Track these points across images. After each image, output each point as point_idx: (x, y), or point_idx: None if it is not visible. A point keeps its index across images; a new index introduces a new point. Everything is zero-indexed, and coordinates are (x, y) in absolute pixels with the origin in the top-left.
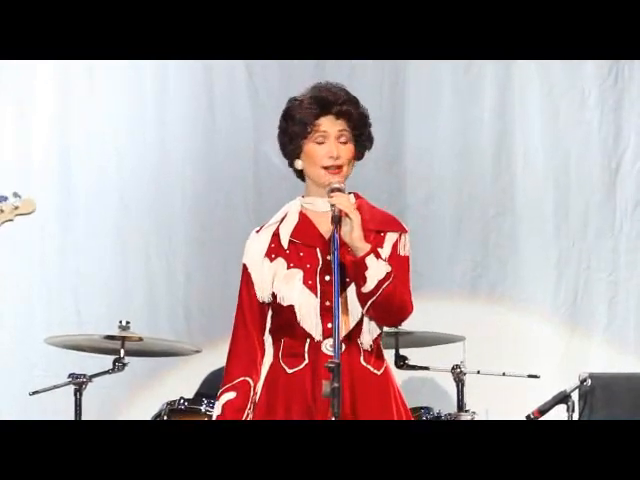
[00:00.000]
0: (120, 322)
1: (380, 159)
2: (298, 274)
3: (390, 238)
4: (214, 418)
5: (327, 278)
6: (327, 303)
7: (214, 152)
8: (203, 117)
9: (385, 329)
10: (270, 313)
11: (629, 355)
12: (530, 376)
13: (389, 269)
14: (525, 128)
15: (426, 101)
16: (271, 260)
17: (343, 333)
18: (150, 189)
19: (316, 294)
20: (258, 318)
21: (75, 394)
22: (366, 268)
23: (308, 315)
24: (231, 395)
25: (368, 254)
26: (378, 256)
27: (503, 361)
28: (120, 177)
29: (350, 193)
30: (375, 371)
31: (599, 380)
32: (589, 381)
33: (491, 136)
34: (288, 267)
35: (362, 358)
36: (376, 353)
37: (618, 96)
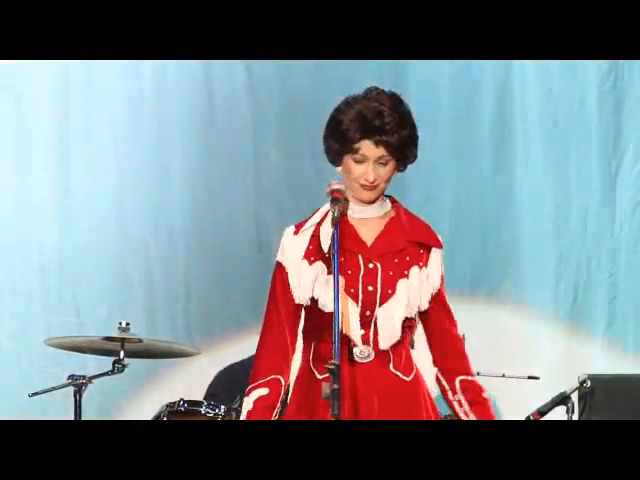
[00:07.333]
0: (120, 323)
1: None
2: (340, 281)
3: (435, 257)
4: (244, 414)
5: (370, 288)
6: (367, 313)
7: (214, 152)
8: (203, 117)
9: None
10: (303, 315)
11: (629, 356)
12: (530, 377)
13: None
14: (525, 128)
15: (426, 101)
16: (310, 263)
17: (384, 347)
18: (149, 190)
19: (357, 303)
20: (292, 317)
21: (75, 395)
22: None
23: (349, 324)
24: (263, 391)
25: None
26: None
27: (503, 362)
28: (119, 178)
29: (387, 198)
30: (404, 377)
31: (599, 381)
32: (589, 382)
33: (491, 136)
34: (329, 272)
35: (392, 365)
36: (405, 359)
37: (618, 97)
